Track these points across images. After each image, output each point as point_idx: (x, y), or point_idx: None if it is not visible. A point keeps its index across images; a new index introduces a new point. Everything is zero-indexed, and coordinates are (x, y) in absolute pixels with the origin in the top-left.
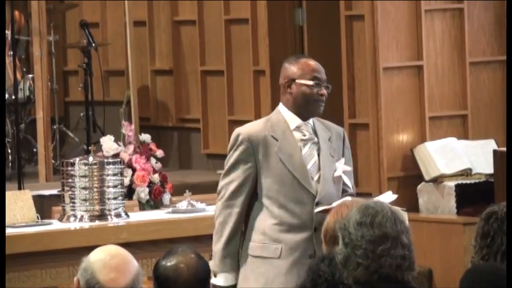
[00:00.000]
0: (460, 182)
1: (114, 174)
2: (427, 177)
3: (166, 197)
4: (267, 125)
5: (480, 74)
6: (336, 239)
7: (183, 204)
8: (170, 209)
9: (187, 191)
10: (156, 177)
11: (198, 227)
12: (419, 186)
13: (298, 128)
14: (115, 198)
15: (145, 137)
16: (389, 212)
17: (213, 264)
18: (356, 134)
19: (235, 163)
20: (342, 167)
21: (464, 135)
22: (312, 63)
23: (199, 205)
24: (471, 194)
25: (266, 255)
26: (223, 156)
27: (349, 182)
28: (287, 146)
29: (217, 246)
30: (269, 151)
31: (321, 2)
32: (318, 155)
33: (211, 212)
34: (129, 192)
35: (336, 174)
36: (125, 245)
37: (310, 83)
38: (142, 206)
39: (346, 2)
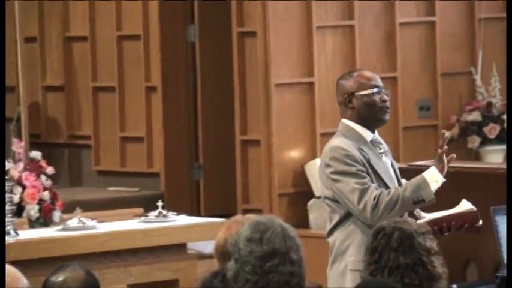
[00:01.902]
0: None
1: None
2: (317, 193)
3: (57, 215)
4: (346, 140)
5: None
6: (227, 255)
7: (73, 222)
8: (60, 227)
9: (77, 208)
10: (46, 195)
11: (89, 244)
12: (309, 202)
13: (372, 142)
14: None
15: (35, 154)
16: (279, 228)
17: (428, 190)
18: (247, 151)
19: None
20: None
21: None
22: (367, 73)
23: (90, 222)
24: None
25: None
26: (114, 173)
27: None
28: (375, 160)
29: (405, 194)
30: (365, 163)
31: (213, 19)
32: (392, 166)
33: (102, 229)
34: (19, 210)
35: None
36: (15, 264)
37: (370, 91)
38: (32, 224)
39: (238, 18)
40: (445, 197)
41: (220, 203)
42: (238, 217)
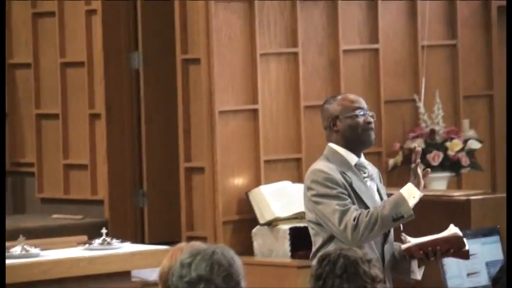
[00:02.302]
0: (294, 225)
1: None
2: (261, 221)
3: None
4: (329, 164)
5: (314, 117)
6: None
7: (17, 250)
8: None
9: (21, 236)
10: None
11: (32, 272)
12: (254, 230)
13: (357, 166)
14: None
15: None
16: (209, 254)
17: (406, 207)
18: (191, 178)
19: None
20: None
21: (298, 178)
22: (350, 96)
23: (34, 250)
24: (306, 237)
25: None
26: (58, 200)
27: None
28: (358, 183)
29: (383, 213)
30: (347, 186)
31: (157, 46)
32: (378, 193)
33: (46, 257)
34: None
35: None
36: None
37: (354, 113)
38: None
39: (182, 45)
40: None
41: (165, 230)
42: (183, 244)
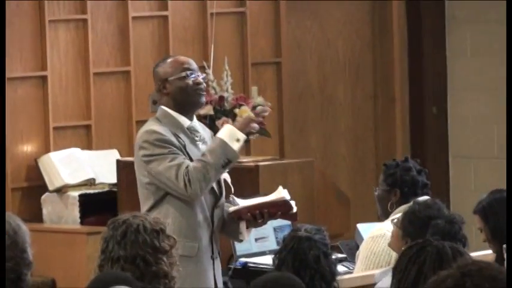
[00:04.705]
0: (83, 191)
1: None
2: (51, 188)
3: None
4: (162, 125)
5: (104, 84)
6: None
7: None
8: None
9: None
10: None
11: None
12: (43, 197)
13: (189, 129)
14: None
15: None
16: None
17: (230, 151)
18: None
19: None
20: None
21: (88, 145)
22: (180, 58)
23: None
24: (95, 204)
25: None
26: None
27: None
28: (191, 146)
29: (211, 161)
30: (181, 148)
31: None
32: None
33: None
34: None
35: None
36: None
37: (183, 74)
38: None
39: None
40: None
41: None
42: None
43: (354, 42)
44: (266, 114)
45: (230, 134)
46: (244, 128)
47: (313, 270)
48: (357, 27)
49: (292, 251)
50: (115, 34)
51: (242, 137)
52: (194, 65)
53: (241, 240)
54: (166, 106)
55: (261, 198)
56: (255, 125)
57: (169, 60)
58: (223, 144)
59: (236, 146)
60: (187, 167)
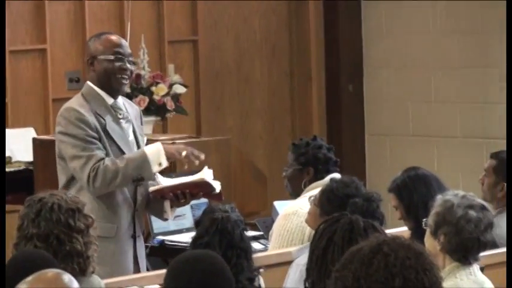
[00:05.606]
0: None
1: None
2: None
3: None
4: (84, 103)
5: (20, 62)
6: None
7: None
8: None
9: None
10: None
11: None
12: None
13: (112, 106)
14: None
15: None
16: None
17: (149, 172)
18: None
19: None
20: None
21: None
22: (114, 38)
23: None
24: (12, 182)
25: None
26: None
27: None
28: (112, 124)
29: (126, 171)
30: (99, 129)
31: None
32: (134, 134)
33: None
34: None
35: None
36: None
37: (111, 57)
38: None
39: None
40: None
41: None
42: None
43: (270, 19)
44: (197, 162)
45: (157, 155)
46: (172, 156)
47: (239, 250)
48: (273, 4)
49: (217, 233)
50: (31, 12)
51: (164, 163)
52: (127, 50)
53: (166, 219)
54: (92, 82)
55: (184, 178)
56: (183, 156)
57: (103, 37)
58: (145, 162)
59: (155, 169)
60: (98, 162)
